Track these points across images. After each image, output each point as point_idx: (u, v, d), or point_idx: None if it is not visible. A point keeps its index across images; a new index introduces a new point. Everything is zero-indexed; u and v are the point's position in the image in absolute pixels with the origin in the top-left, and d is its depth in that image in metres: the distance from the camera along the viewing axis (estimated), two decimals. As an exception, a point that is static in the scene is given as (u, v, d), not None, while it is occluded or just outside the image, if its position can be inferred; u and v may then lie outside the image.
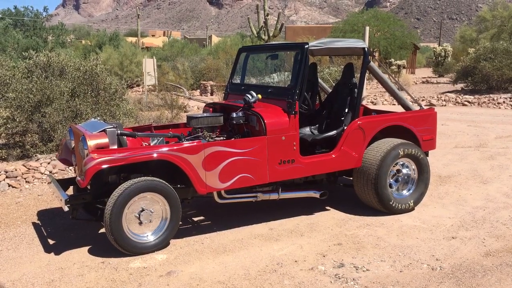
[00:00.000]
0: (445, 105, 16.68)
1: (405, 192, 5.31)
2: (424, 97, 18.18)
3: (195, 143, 4.40)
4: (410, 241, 4.51)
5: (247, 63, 5.93)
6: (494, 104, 16.65)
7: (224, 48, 39.45)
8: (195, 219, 5.22)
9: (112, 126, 4.47)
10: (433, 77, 31.65)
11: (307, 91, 5.62)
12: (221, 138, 4.96)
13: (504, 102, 16.75)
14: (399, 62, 25.53)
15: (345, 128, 5.13)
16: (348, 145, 5.04)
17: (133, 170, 4.42)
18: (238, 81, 5.95)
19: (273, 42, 6.06)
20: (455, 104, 17.11)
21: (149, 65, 17.38)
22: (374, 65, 5.32)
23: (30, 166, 6.85)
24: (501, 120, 12.58)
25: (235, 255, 4.24)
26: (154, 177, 4.28)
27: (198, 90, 24.37)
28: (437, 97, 18.21)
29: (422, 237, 4.61)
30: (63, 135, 8.00)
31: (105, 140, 4.30)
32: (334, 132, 5.19)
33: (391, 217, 5.13)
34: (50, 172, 6.92)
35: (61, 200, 4.28)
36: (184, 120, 5.52)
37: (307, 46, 4.81)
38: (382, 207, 5.12)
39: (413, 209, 5.30)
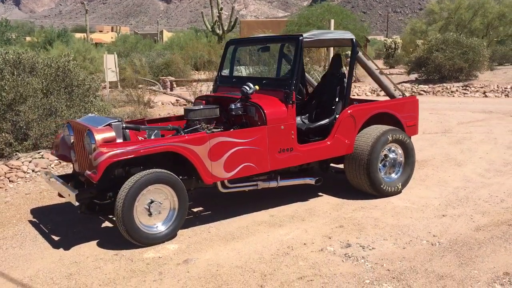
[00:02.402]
0: (402, 95, 17.29)
1: (393, 176, 5.60)
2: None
3: (200, 134, 4.50)
4: (405, 220, 4.79)
5: (235, 56, 6.05)
6: (448, 92, 17.43)
7: (178, 43, 39.21)
8: (195, 210, 5.31)
9: (117, 120, 4.50)
10: (385, 69, 32.63)
11: None
12: (218, 129, 5.08)
13: (457, 90, 17.58)
14: (354, 54, 26.20)
15: (337, 116, 5.35)
16: (341, 132, 5.26)
17: (136, 163, 4.45)
18: (227, 74, 6.07)
19: (265, 35, 6.19)
20: (411, 93, 17.75)
21: (110, 61, 17.12)
22: (361, 55, 5.56)
23: (12, 165, 6.71)
24: (458, 107, 13.23)
25: (244, 242, 4.38)
26: (162, 170, 4.34)
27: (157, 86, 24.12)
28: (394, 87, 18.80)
29: (415, 216, 4.90)
30: (39, 133, 7.88)
31: (112, 134, 4.33)
32: (326, 120, 5.40)
33: (382, 199, 5.40)
34: (33, 170, 6.81)
35: (69, 195, 4.28)
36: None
37: (301, 38, 4.99)
38: (374, 190, 5.38)
39: (400, 191, 5.59)
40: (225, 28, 39.90)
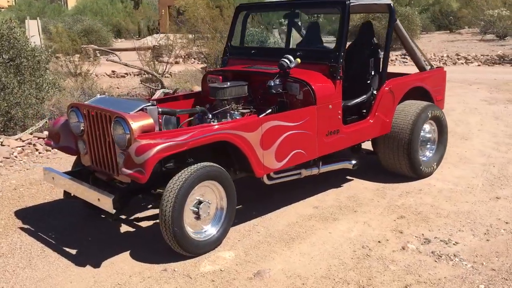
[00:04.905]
0: (345, 64, 17.15)
1: (428, 154, 5.18)
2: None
3: (253, 118, 3.76)
4: (464, 206, 4.39)
5: (246, 24, 5.28)
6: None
7: (91, 8, 36.48)
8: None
9: (150, 104, 3.63)
10: (310, 37, 32.57)
11: None
12: (248, 111, 4.36)
13: (396, 59, 17.75)
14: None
15: (375, 92, 4.80)
16: (381, 110, 4.74)
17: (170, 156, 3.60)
18: (238, 45, 5.28)
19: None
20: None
21: (33, 27, 15.29)
22: (399, 24, 5.02)
23: (-31, 156, 5.51)
24: (411, 77, 13.21)
25: (308, 243, 3.75)
26: (212, 163, 3.57)
27: (78, 55, 22.16)
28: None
29: (471, 200, 4.52)
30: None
31: (150, 121, 3.44)
32: (364, 97, 4.82)
33: (421, 182, 4.98)
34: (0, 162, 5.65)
35: (98, 200, 3.38)
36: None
37: (348, 2, 4.33)
38: (412, 172, 4.94)
39: (433, 172, 5.20)
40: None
